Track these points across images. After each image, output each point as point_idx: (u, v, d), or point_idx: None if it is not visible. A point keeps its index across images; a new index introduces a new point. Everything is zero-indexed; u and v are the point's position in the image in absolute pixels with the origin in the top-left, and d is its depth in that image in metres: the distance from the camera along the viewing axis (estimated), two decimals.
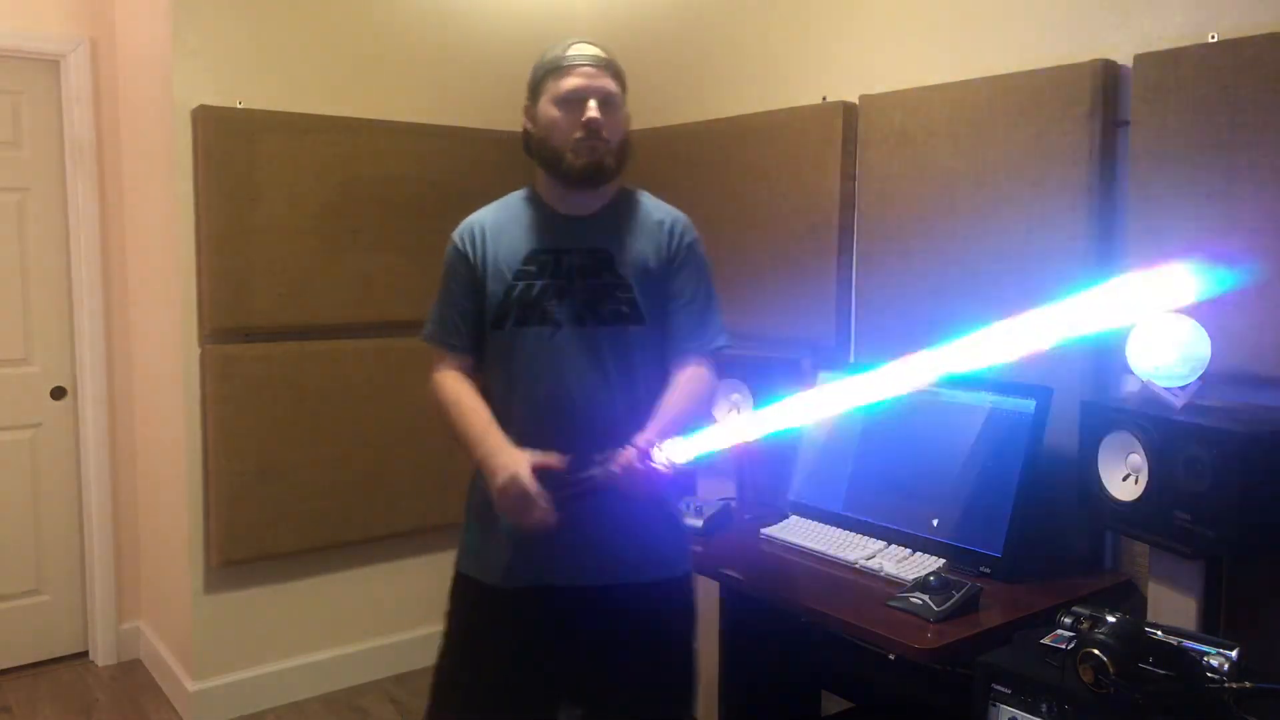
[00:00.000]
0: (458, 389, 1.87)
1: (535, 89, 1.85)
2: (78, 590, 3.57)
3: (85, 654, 3.60)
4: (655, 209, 1.91)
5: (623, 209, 1.89)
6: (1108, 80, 2.19)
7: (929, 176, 2.54)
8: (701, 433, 1.72)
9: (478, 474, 1.86)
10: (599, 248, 1.84)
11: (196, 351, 3.03)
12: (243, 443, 3.06)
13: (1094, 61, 2.20)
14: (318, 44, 3.19)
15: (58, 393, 3.49)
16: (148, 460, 3.49)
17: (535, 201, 1.91)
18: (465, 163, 3.41)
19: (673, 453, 1.67)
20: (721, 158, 3.08)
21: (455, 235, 1.92)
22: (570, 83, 1.79)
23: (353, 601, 3.40)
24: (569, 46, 1.83)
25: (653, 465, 1.66)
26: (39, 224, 3.41)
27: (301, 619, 3.30)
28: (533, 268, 1.83)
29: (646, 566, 1.85)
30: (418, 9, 3.38)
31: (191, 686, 3.13)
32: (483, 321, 1.87)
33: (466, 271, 1.88)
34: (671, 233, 1.87)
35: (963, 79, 2.48)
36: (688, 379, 1.83)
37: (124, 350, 3.53)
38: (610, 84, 1.81)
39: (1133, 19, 2.20)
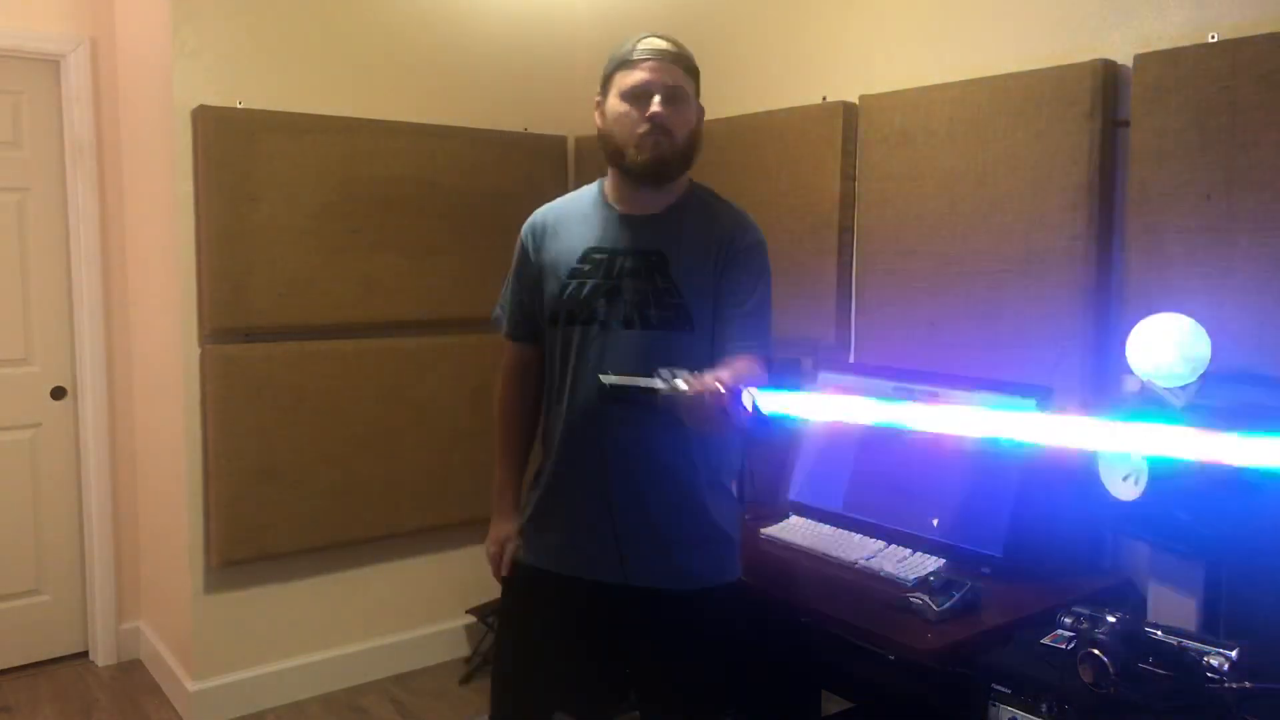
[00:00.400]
0: (509, 418, 2.01)
1: (605, 84, 1.84)
2: (78, 590, 3.57)
3: (85, 654, 3.60)
4: (721, 212, 1.87)
5: (687, 210, 1.86)
6: (1108, 80, 2.19)
7: (929, 176, 2.54)
8: (790, 394, 1.58)
9: (544, 465, 1.92)
10: (654, 250, 1.81)
11: (196, 351, 3.03)
12: (243, 443, 3.06)
13: (1094, 61, 2.20)
14: (318, 44, 3.19)
15: (58, 393, 3.49)
16: (148, 460, 3.49)
17: (600, 199, 1.90)
18: (465, 163, 3.41)
19: (760, 400, 1.53)
20: (721, 158, 3.07)
21: (523, 227, 1.95)
22: (636, 76, 1.77)
23: (353, 601, 3.40)
24: (639, 40, 1.81)
25: (732, 403, 1.51)
26: (39, 224, 3.41)
27: (301, 619, 3.30)
28: (586, 267, 1.83)
29: (691, 575, 1.84)
30: (418, 9, 3.38)
31: (191, 686, 3.13)
32: (541, 315, 1.89)
33: (527, 266, 1.92)
34: (731, 237, 1.83)
35: (963, 79, 2.48)
36: (747, 367, 1.72)
37: (124, 350, 3.53)
38: (678, 78, 1.79)
39: (1133, 19, 2.20)
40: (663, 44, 1.81)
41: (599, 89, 1.87)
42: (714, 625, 1.90)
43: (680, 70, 1.80)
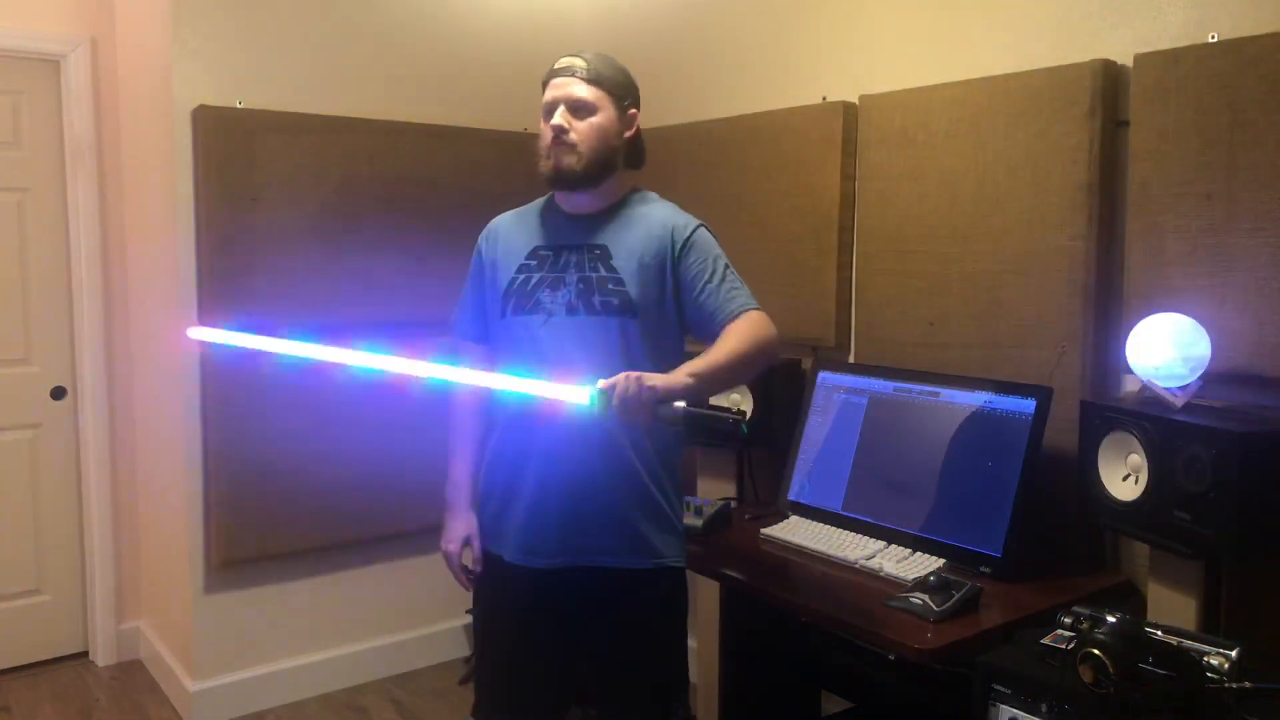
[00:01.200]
0: (462, 414, 2.05)
1: None
2: (78, 590, 3.57)
3: (85, 654, 3.60)
4: (661, 210, 1.96)
5: (628, 207, 1.96)
6: (1108, 80, 2.19)
7: (929, 176, 2.54)
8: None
9: (490, 458, 2.00)
10: (596, 243, 1.91)
11: (197, 351, 3.03)
12: (243, 443, 3.06)
13: (1094, 61, 2.20)
14: (318, 44, 3.19)
15: (58, 393, 3.49)
16: (148, 460, 3.49)
17: (551, 202, 2.01)
18: (465, 163, 3.41)
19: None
20: (721, 158, 3.08)
21: (481, 234, 2.06)
22: (548, 94, 1.91)
23: (353, 601, 3.40)
24: (557, 60, 1.92)
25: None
26: (39, 224, 3.41)
27: (301, 619, 3.30)
28: (533, 262, 1.94)
29: (632, 553, 1.90)
30: (418, 9, 3.38)
31: (191, 686, 3.13)
32: (493, 313, 1.99)
33: (480, 267, 2.03)
34: (674, 232, 1.92)
35: (963, 79, 2.48)
36: (738, 327, 1.83)
37: (124, 350, 3.53)
38: (580, 90, 1.87)
39: (1133, 19, 2.20)
40: (572, 60, 1.90)
41: None
42: (673, 607, 1.97)
43: (586, 84, 1.88)
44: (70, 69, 3.37)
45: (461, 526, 2.01)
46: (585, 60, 1.89)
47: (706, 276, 1.88)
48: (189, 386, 3.03)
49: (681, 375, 1.69)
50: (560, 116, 1.86)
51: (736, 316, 1.85)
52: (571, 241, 1.92)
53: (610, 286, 1.86)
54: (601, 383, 1.64)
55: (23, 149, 3.37)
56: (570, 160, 1.86)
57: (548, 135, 1.88)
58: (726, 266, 1.91)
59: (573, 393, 1.67)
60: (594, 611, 1.94)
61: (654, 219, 1.93)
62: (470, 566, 2.02)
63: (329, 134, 3.15)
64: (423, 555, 3.51)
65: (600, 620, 1.94)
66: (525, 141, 3.49)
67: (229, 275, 3.01)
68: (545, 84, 1.92)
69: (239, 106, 3.02)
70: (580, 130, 1.86)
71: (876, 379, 2.53)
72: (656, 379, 1.65)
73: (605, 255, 1.89)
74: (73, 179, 3.42)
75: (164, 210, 3.10)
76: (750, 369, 1.87)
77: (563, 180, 1.89)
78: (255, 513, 3.10)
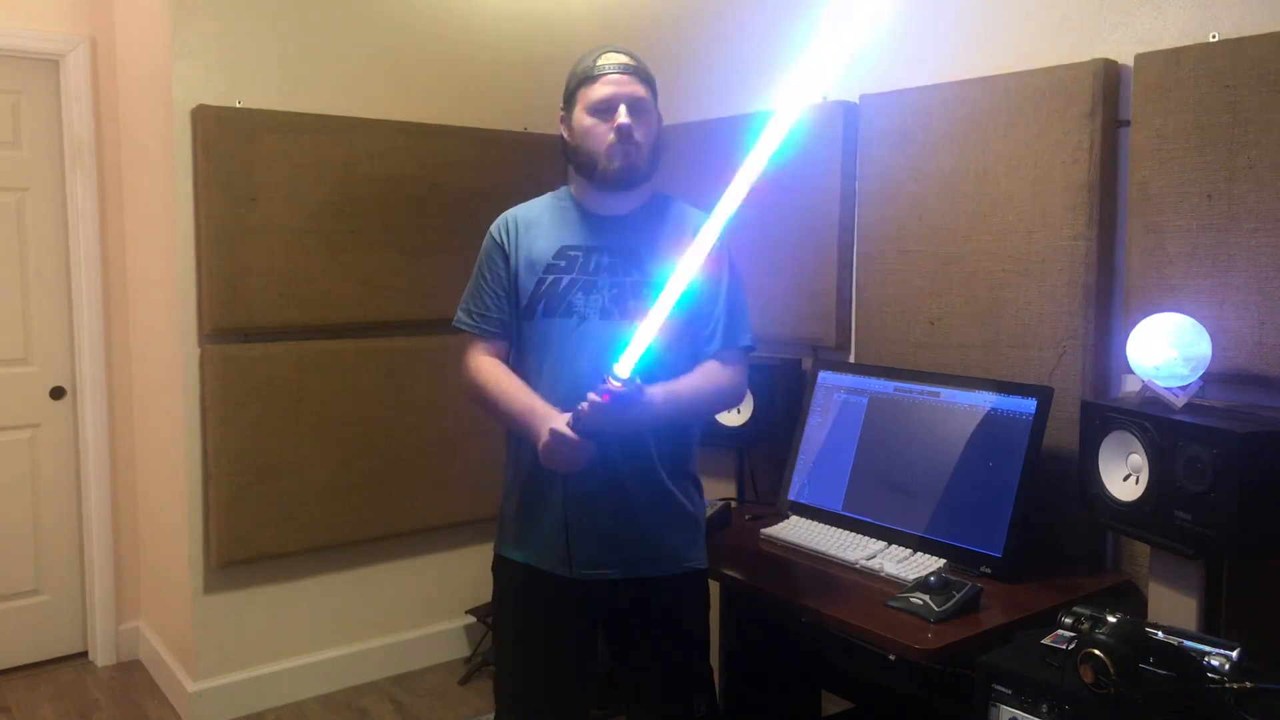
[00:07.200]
0: (494, 368, 1.94)
1: (569, 98, 1.91)
2: (77, 590, 3.57)
3: (85, 654, 3.60)
4: (690, 214, 1.96)
5: (656, 211, 1.95)
6: (1108, 80, 2.19)
7: (929, 176, 2.54)
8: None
9: (513, 461, 1.96)
10: (629, 246, 1.89)
11: (196, 351, 3.03)
12: (243, 443, 3.06)
13: (1094, 61, 2.20)
14: (318, 44, 3.19)
15: (57, 393, 3.49)
16: (148, 460, 3.49)
17: (570, 201, 1.97)
18: (465, 163, 3.41)
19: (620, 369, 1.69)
20: (721, 158, 3.07)
21: (492, 227, 1.99)
22: (601, 91, 1.85)
23: (353, 601, 3.40)
24: (599, 55, 1.88)
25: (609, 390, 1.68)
26: (39, 224, 3.41)
27: (301, 619, 3.30)
28: (562, 262, 1.90)
29: (664, 561, 1.90)
30: (418, 9, 3.37)
31: (191, 686, 3.13)
32: (514, 310, 1.94)
33: (501, 260, 1.95)
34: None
35: (963, 79, 2.48)
36: (713, 370, 1.91)
37: (124, 350, 3.53)
38: (640, 89, 1.86)
39: (1133, 19, 2.20)
40: (622, 58, 1.88)
41: (562, 104, 1.93)
42: (697, 607, 1.98)
43: (640, 82, 1.87)
44: (69, 69, 3.36)
45: (553, 411, 1.79)
46: (632, 57, 1.88)
47: (719, 295, 1.91)
48: (188, 386, 3.03)
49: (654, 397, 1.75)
50: (625, 116, 1.83)
51: (722, 353, 1.91)
52: (601, 243, 1.89)
53: (644, 292, 1.85)
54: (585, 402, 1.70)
55: (22, 149, 3.37)
56: (639, 161, 1.85)
57: (606, 135, 1.83)
58: (740, 291, 1.95)
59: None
60: (619, 617, 1.94)
61: (685, 225, 1.91)
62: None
63: (329, 134, 3.15)
64: (422, 555, 3.51)
65: (625, 624, 1.95)
66: (525, 141, 3.53)
67: (229, 275, 3.00)
68: (586, 79, 1.86)
69: (238, 106, 3.02)
70: (642, 130, 1.85)
71: (876, 379, 2.53)
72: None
73: (638, 260, 1.87)
74: (72, 179, 3.42)
75: (163, 210, 3.10)
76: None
77: (631, 180, 1.87)
78: (255, 513, 3.10)
